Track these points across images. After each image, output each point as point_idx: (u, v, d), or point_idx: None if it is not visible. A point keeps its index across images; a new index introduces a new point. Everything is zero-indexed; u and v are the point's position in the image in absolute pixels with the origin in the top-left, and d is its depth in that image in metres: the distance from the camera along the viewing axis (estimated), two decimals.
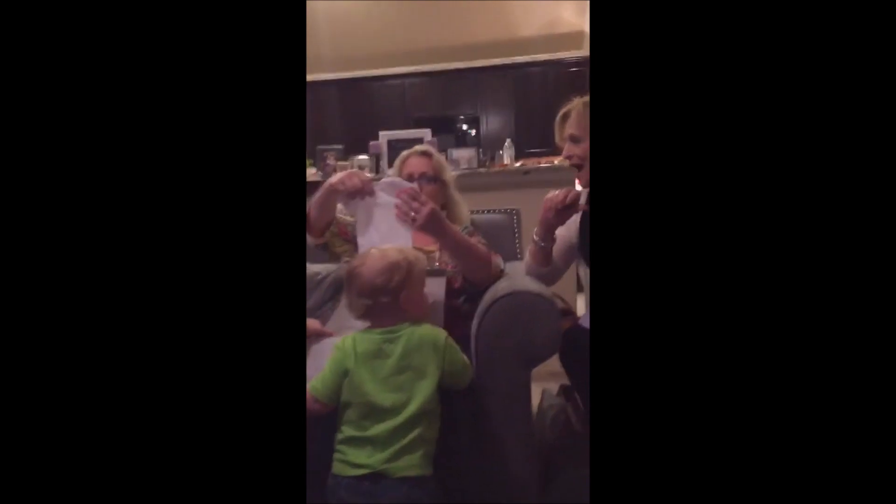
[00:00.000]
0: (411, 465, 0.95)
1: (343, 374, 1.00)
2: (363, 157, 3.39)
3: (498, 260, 1.36)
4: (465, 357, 1.06)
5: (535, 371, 1.22)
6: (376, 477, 0.94)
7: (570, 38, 5.60)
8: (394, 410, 0.97)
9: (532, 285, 1.20)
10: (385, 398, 0.98)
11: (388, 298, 1.03)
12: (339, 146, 3.60)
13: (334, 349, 1.04)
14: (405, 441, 0.96)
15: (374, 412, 0.98)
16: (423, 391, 0.99)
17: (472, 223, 1.59)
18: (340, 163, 3.36)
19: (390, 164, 3.11)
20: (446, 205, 1.55)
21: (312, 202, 1.35)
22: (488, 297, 1.21)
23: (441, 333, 1.05)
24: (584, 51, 5.63)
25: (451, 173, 1.57)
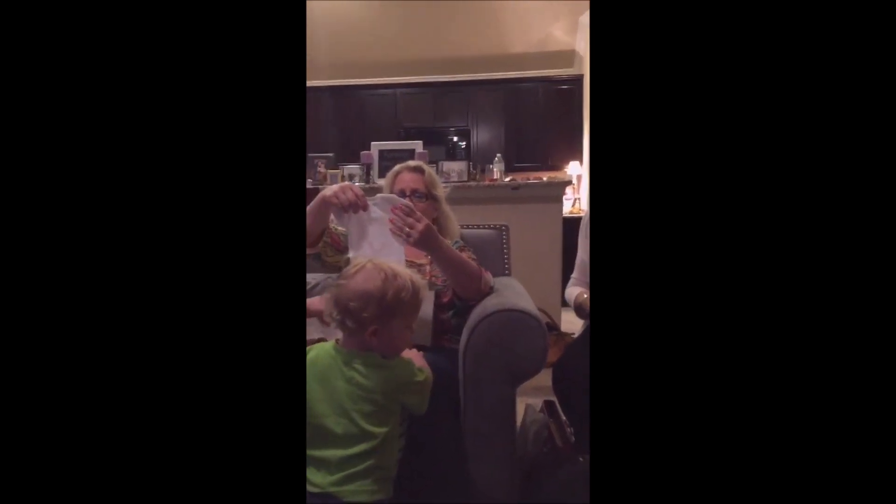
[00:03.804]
0: (362, 490, 0.92)
1: None
2: (354, 166, 3.40)
3: (488, 276, 1.39)
4: (427, 389, 1.03)
5: (520, 386, 1.24)
6: (325, 497, 0.91)
7: (561, 57, 5.69)
8: (346, 438, 0.93)
9: (521, 303, 1.22)
10: (337, 424, 0.93)
11: (354, 325, 0.97)
12: (330, 154, 3.61)
13: None
14: (358, 468, 0.92)
15: (324, 435, 0.93)
16: (385, 427, 0.95)
17: (462, 238, 1.61)
18: (331, 171, 3.37)
19: (381, 175, 3.13)
20: (438, 219, 1.56)
21: (306, 212, 1.36)
22: (477, 312, 1.22)
23: (413, 374, 1.01)
24: (575, 69, 5.72)
25: (442, 188, 1.58)
